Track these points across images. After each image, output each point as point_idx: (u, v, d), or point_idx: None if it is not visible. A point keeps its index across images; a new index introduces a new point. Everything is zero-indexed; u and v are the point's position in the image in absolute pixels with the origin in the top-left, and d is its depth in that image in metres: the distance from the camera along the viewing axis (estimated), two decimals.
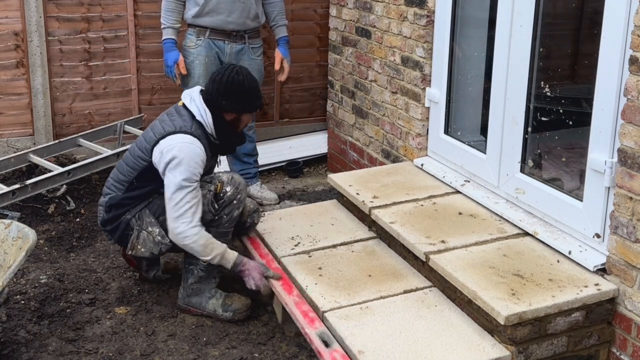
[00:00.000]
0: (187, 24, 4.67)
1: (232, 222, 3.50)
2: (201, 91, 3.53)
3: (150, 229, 3.44)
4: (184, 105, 3.51)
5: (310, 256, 3.64)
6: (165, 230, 3.43)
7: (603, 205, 3.06)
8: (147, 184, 3.46)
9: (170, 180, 3.30)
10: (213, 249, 3.38)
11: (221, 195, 3.44)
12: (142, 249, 3.46)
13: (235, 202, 3.47)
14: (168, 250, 3.50)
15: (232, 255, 3.44)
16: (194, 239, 3.32)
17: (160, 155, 3.35)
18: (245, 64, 4.64)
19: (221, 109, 3.47)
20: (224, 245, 3.44)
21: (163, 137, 3.37)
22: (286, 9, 5.42)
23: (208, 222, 3.43)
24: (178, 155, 3.30)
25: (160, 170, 3.36)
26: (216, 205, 3.41)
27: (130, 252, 3.50)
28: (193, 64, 4.61)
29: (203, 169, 3.40)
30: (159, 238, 3.44)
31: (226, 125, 3.50)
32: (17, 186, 4.37)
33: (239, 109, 3.50)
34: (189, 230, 3.31)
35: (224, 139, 3.51)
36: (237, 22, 4.59)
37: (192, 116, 3.44)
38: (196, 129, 3.41)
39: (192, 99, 3.49)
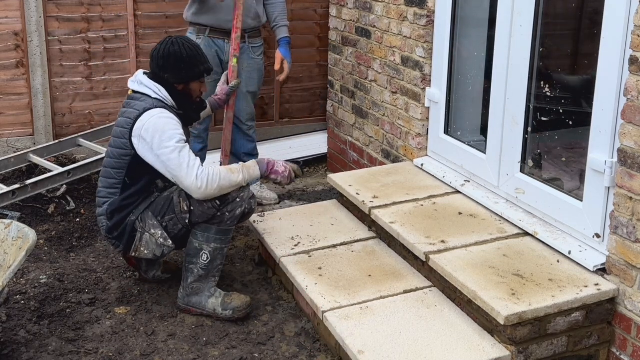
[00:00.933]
0: (188, 22, 4.67)
1: (234, 220, 3.48)
2: (145, 73, 3.54)
3: (152, 231, 3.44)
4: (134, 91, 3.51)
5: (310, 256, 3.64)
6: (168, 232, 3.44)
7: (603, 205, 3.06)
8: (140, 177, 3.46)
9: (161, 152, 3.29)
10: (237, 171, 3.42)
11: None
12: (145, 251, 3.46)
13: (238, 200, 3.45)
14: (170, 252, 3.51)
15: (253, 163, 3.53)
16: (217, 176, 3.32)
17: (139, 140, 3.34)
18: (245, 63, 4.65)
19: (169, 82, 3.47)
20: (238, 164, 3.51)
21: (133, 124, 3.36)
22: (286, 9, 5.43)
23: (210, 218, 3.42)
24: (155, 129, 3.30)
25: (146, 151, 3.34)
26: (218, 202, 3.41)
27: (133, 254, 3.50)
28: None
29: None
30: (162, 240, 3.44)
31: (181, 96, 3.51)
32: (17, 186, 4.37)
33: (183, 78, 3.50)
34: (205, 175, 3.30)
35: (185, 109, 3.52)
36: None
37: (148, 97, 3.44)
38: (158, 104, 3.42)
39: (140, 82, 3.48)
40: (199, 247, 3.46)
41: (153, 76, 3.49)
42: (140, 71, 3.56)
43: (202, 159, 4.79)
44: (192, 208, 3.40)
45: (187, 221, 3.43)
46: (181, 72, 3.47)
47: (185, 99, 3.53)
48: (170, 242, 3.44)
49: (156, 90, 3.45)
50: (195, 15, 4.58)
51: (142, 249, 3.45)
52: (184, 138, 3.36)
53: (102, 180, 3.55)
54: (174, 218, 3.43)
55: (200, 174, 3.30)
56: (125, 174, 3.46)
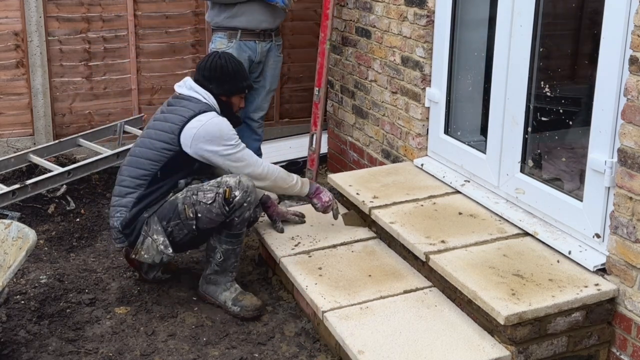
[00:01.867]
0: (216, 27, 4.70)
1: (243, 223, 3.53)
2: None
3: (155, 236, 3.45)
4: (181, 95, 3.62)
5: (310, 256, 3.64)
6: (174, 237, 3.47)
7: (603, 205, 3.06)
8: (172, 174, 3.51)
9: (223, 151, 3.47)
10: (293, 177, 3.70)
11: (230, 200, 3.42)
12: (145, 255, 3.48)
13: (245, 204, 3.46)
14: (169, 260, 3.55)
15: (307, 181, 3.81)
16: (276, 170, 3.63)
17: (193, 138, 3.45)
18: (271, 61, 4.83)
19: (213, 93, 3.60)
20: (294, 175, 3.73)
21: (187, 122, 3.47)
22: None
23: (220, 225, 3.46)
24: (215, 130, 3.47)
25: (202, 150, 3.46)
26: (227, 208, 3.42)
27: (133, 256, 3.52)
28: None
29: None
30: (162, 247, 3.45)
31: (224, 106, 3.65)
32: (17, 186, 4.37)
33: (226, 91, 3.65)
34: (265, 166, 3.59)
35: (228, 119, 3.61)
36: (269, 21, 4.69)
37: (199, 100, 3.56)
38: (209, 108, 3.55)
39: (189, 87, 3.63)
40: (214, 245, 3.55)
41: (201, 85, 3.62)
42: (189, 77, 3.69)
43: None
44: (199, 215, 3.42)
45: (193, 227, 3.45)
46: (225, 85, 3.64)
47: (228, 110, 3.67)
48: (171, 250, 3.46)
49: (206, 96, 3.59)
50: (228, 19, 4.62)
51: (142, 252, 3.48)
52: (238, 138, 3.56)
53: (129, 170, 3.56)
54: (179, 224, 3.46)
55: (262, 164, 3.59)
56: (159, 168, 3.50)
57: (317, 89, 5.00)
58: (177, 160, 3.50)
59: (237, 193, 3.43)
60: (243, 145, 3.56)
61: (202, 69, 3.64)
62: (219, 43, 4.68)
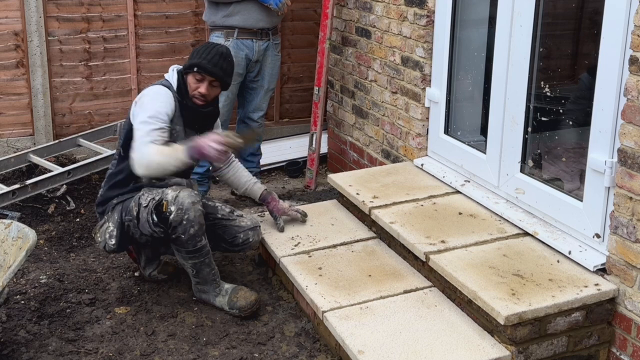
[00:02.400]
0: (214, 26, 4.73)
1: (194, 238, 3.38)
2: None
3: (109, 224, 3.54)
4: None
5: (310, 256, 3.64)
6: (131, 232, 3.48)
7: (603, 205, 3.06)
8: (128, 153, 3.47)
9: (136, 122, 3.40)
10: (165, 151, 3.33)
11: (167, 214, 3.34)
12: (99, 239, 3.60)
13: (185, 222, 3.34)
14: (111, 251, 3.61)
15: (181, 147, 3.35)
16: (148, 154, 3.30)
17: (134, 105, 3.50)
18: (269, 60, 4.83)
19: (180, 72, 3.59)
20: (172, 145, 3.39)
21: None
22: None
23: (171, 240, 3.43)
24: (143, 99, 3.47)
25: (132, 119, 3.46)
26: (155, 217, 3.37)
27: (93, 235, 3.65)
28: None
29: (170, 117, 3.44)
30: (107, 236, 3.54)
31: (182, 85, 3.54)
32: (17, 186, 4.37)
33: (185, 66, 3.56)
34: (142, 150, 3.31)
35: (182, 98, 3.51)
36: (266, 20, 4.70)
37: (164, 78, 3.61)
38: (164, 82, 3.56)
39: (172, 68, 3.65)
40: (182, 262, 3.56)
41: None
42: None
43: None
44: (139, 216, 3.43)
45: (137, 227, 3.44)
46: (192, 57, 3.57)
47: (183, 88, 3.54)
48: (113, 241, 3.54)
49: (171, 73, 3.60)
50: (225, 18, 4.65)
51: (98, 235, 3.61)
52: (161, 117, 3.39)
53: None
54: (132, 221, 3.48)
55: (138, 149, 3.32)
56: (121, 144, 3.55)
57: (317, 88, 5.01)
58: (131, 135, 3.43)
59: (172, 208, 3.33)
60: (150, 127, 3.32)
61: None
62: (216, 42, 4.68)
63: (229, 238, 3.66)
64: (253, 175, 4.92)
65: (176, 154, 3.33)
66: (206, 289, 3.58)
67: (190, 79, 3.52)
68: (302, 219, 3.94)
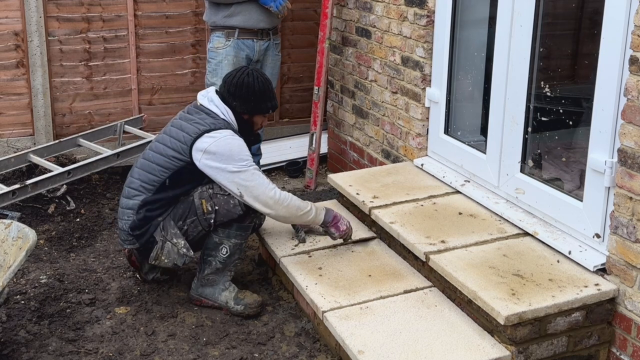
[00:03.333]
0: (214, 27, 4.74)
1: (254, 217, 3.57)
2: (216, 91, 3.60)
3: (175, 240, 3.45)
4: (202, 105, 3.55)
5: (310, 256, 3.64)
6: (188, 235, 3.46)
7: (603, 205, 3.06)
8: (182, 184, 3.47)
9: (236, 169, 3.36)
10: (307, 204, 3.54)
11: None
12: (166, 260, 3.48)
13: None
14: (191, 261, 3.55)
15: (323, 208, 3.63)
16: (288, 198, 3.45)
17: (204, 153, 3.38)
18: (269, 60, 4.85)
19: (235, 109, 3.54)
20: (309, 202, 3.58)
21: (199, 135, 3.40)
22: None
23: (237, 218, 3.48)
24: (230, 148, 3.38)
25: (215, 168, 3.38)
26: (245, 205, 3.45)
27: (153, 262, 3.51)
28: (221, 64, 4.71)
29: None
30: (184, 250, 3.46)
31: (245, 124, 3.57)
32: (17, 186, 4.37)
33: (250, 110, 3.57)
34: (277, 190, 3.42)
35: (245, 136, 3.54)
36: (266, 20, 4.72)
37: (217, 115, 3.50)
38: (226, 125, 3.48)
39: (210, 99, 3.55)
40: (219, 242, 3.51)
41: (223, 99, 3.55)
42: (213, 88, 3.63)
43: None
44: (216, 208, 3.42)
45: (212, 221, 3.45)
46: (249, 104, 3.55)
47: (248, 128, 3.60)
48: (192, 252, 3.48)
49: (225, 112, 3.51)
50: (225, 18, 4.66)
51: (162, 257, 3.47)
52: (252, 160, 3.45)
53: (139, 173, 3.53)
54: (195, 220, 3.45)
55: (274, 189, 3.42)
56: (169, 176, 3.46)
57: (317, 88, 5.01)
58: (186, 171, 3.44)
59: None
60: (255, 166, 3.44)
61: (228, 83, 3.55)
62: (216, 42, 4.71)
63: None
64: None
65: (316, 212, 3.58)
66: (217, 280, 3.56)
67: (259, 119, 3.64)
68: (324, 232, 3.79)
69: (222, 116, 3.50)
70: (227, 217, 3.45)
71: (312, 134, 5.11)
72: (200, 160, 3.39)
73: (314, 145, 5.10)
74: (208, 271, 3.56)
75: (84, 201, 4.84)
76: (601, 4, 2.96)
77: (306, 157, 5.29)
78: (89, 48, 5.21)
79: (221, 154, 3.37)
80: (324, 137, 5.59)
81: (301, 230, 3.78)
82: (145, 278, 3.80)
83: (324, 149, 5.59)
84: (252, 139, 3.69)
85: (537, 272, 3.09)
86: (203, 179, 3.46)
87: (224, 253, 3.52)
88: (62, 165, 4.76)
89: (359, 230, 3.89)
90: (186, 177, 3.46)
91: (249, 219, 3.52)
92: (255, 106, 3.57)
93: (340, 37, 5.11)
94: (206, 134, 3.39)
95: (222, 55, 4.69)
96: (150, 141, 5.01)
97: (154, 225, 3.47)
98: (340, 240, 3.71)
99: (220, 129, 3.42)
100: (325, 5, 4.93)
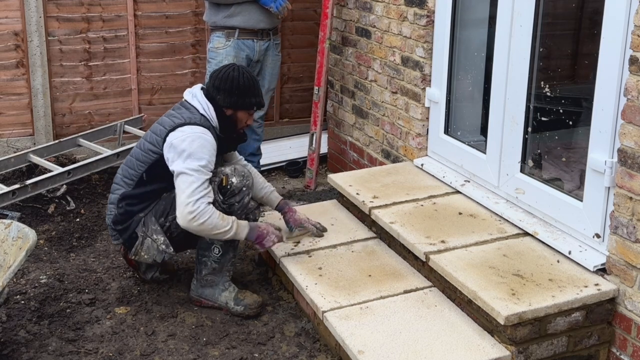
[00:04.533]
0: (215, 27, 4.74)
1: (243, 209, 3.50)
2: (201, 88, 3.59)
3: (155, 236, 3.45)
4: (185, 101, 3.56)
5: (310, 256, 3.64)
6: (171, 232, 3.45)
7: (603, 205, 3.06)
8: (157, 180, 3.46)
9: (182, 168, 3.30)
10: (229, 221, 3.35)
11: (228, 187, 3.44)
12: (145, 256, 3.48)
13: (244, 189, 3.48)
14: (170, 258, 3.55)
15: (246, 225, 3.43)
16: (208, 213, 3.26)
17: (170, 146, 3.36)
18: (269, 60, 4.85)
19: (218, 104, 3.51)
20: (233, 217, 3.41)
21: (173, 129, 3.39)
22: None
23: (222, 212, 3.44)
24: (190, 145, 3.33)
25: (170, 161, 3.36)
26: (220, 196, 3.42)
27: (133, 257, 3.53)
28: (222, 64, 4.69)
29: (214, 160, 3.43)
30: (163, 247, 3.46)
31: (227, 121, 3.53)
32: (17, 186, 4.37)
33: (233, 105, 3.53)
34: (202, 206, 3.26)
35: (227, 134, 3.53)
36: (266, 21, 4.73)
37: (197, 110, 3.49)
38: (204, 121, 3.45)
39: (194, 94, 3.54)
40: (210, 242, 3.49)
41: (207, 94, 3.53)
42: (199, 85, 3.62)
43: (256, 162, 5.01)
44: None
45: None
46: (232, 97, 3.51)
47: (230, 125, 3.55)
48: (172, 248, 3.46)
49: (205, 107, 3.49)
50: (226, 18, 4.67)
51: (142, 253, 3.48)
52: (211, 167, 3.36)
53: (123, 168, 3.59)
54: (176, 217, 3.42)
55: (198, 202, 3.26)
56: (145, 169, 3.48)
57: (317, 88, 5.01)
58: (161, 165, 3.41)
59: (234, 180, 3.44)
60: (205, 178, 3.30)
61: (214, 77, 3.55)
62: (216, 42, 4.71)
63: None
64: None
65: (236, 231, 3.37)
66: (216, 280, 3.55)
67: (243, 115, 3.56)
68: (318, 233, 3.81)
69: (201, 111, 3.47)
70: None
71: (312, 134, 5.11)
72: (166, 151, 3.39)
73: (314, 145, 5.10)
74: (205, 272, 3.56)
75: (84, 201, 4.84)
76: (601, 4, 2.96)
77: (306, 157, 5.29)
78: (89, 48, 5.21)
79: (179, 150, 3.32)
80: (324, 137, 5.59)
81: (295, 229, 3.77)
82: (144, 277, 3.80)
83: (324, 149, 5.59)
84: (236, 137, 3.63)
85: (537, 272, 3.09)
86: None
87: (217, 253, 3.52)
88: (62, 165, 4.76)
89: (359, 230, 3.89)
90: (162, 172, 3.42)
91: (239, 212, 3.48)
92: (239, 100, 3.52)
93: (340, 37, 5.11)
94: (179, 128, 3.38)
95: (223, 55, 4.70)
96: None
97: (135, 221, 3.48)
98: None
99: (195, 124, 3.39)
100: (325, 5, 4.93)
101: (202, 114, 3.47)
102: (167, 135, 3.40)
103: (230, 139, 3.58)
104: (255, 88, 3.58)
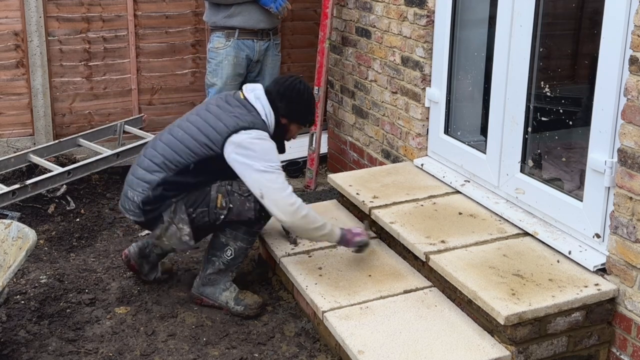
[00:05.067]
0: (215, 27, 4.75)
1: (263, 225, 3.59)
2: (265, 91, 3.56)
3: (180, 225, 3.42)
4: (246, 99, 3.50)
5: (310, 256, 3.64)
6: (194, 223, 3.42)
7: (603, 205, 3.06)
8: (203, 174, 3.41)
9: (263, 166, 3.30)
10: (324, 220, 3.40)
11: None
12: (166, 242, 3.48)
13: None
14: (191, 248, 3.55)
15: (340, 230, 3.47)
16: (306, 209, 3.32)
17: (238, 146, 3.32)
18: (269, 60, 4.87)
19: (277, 112, 3.51)
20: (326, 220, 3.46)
21: (236, 130, 3.34)
22: None
23: (246, 222, 3.47)
24: (262, 147, 3.33)
25: (244, 164, 3.32)
26: (259, 205, 3.41)
27: (154, 240, 3.52)
28: (222, 64, 4.72)
29: None
30: (187, 238, 3.44)
31: (280, 129, 3.54)
32: (17, 186, 4.37)
33: (291, 116, 3.55)
34: (298, 199, 3.31)
35: (276, 142, 3.50)
36: (266, 21, 4.74)
37: (259, 115, 3.46)
38: (264, 127, 3.43)
39: (257, 97, 3.50)
40: (225, 243, 3.51)
41: (269, 98, 3.51)
42: (260, 85, 3.59)
43: None
44: (231, 205, 3.41)
45: (222, 217, 3.43)
46: (293, 110, 3.54)
47: (280, 134, 3.56)
48: (194, 242, 3.46)
49: (269, 114, 3.48)
50: (227, 18, 4.69)
51: (163, 238, 3.47)
52: (280, 166, 3.39)
53: (164, 149, 3.44)
54: (205, 211, 3.42)
55: (293, 195, 3.32)
56: (195, 161, 3.39)
57: (317, 88, 5.01)
58: (213, 161, 3.38)
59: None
60: (282, 173, 3.36)
61: (280, 84, 3.55)
62: (216, 42, 4.72)
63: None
64: None
65: (330, 233, 3.44)
66: (218, 280, 3.56)
67: (295, 128, 3.61)
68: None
69: (263, 116, 3.45)
70: (238, 218, 3.45)
71: (312, 134, 5.11)
72: (231, 154, 3.33)
73: (314, 145, 5.11)
74: (210, 271, 3.56)
75: (84, 201, 4.84)
76: (601, 4, 2.96)
77: (306, 157, 5.29)
78: (89, 48, 5.21)
79: (253, 151, 3.31)
80: (324, 137, 5.59)
81: (293, 233, 3.76)
82: (147, 279, 3.80)
83: (324, 149, 5.59)
84: (280, 147, 3.60)
85: (537, 272, 3.09)
86: (227, 174, 3.40)
87: (229, 255, 3.52)
88: (62, 165, 4.76)
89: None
90: (211, 167, 3.40)
91: (258, 225, 3.53)
92: (298, 113, 3.56)
93: (340, 37, 5.11)
94: (243, 130, 3.34)
95: (223, 55, 4.71)
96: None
97: (166, 204, 3.42)
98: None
99: (258, 129, 3.38)
100: (325, 5, 4.94)
101: (263, 120, 3.45)
102: (229, 135, 3.34)
103: (278, 146, 3.54)
104: (313, 105, 3.64)
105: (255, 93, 3.51)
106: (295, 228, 3.41)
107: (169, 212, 3.42)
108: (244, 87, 3.59)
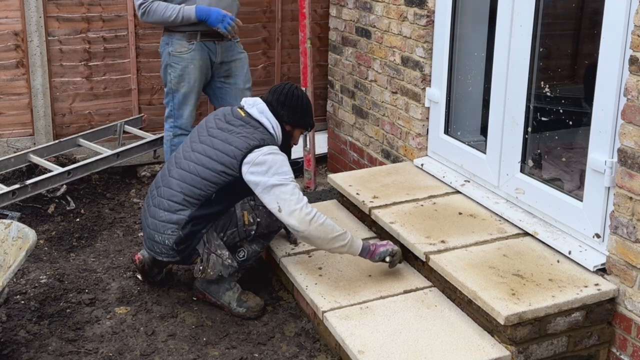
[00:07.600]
0: (174, 30, 4.55)
1: (278, 230, 3.68)
2: (265, 102, 3.55)
3: (219, 251, 3.44)
4: (249, 116, 3.50)
5: (310, 256, 3.64)
6: (227, 245, 3.45)
7: (603, 205, 3.06)
8: (226, 200, 3.43)
9: (277, 180, 3.29)
10: (343, 231, 3.34)
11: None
12: (211, 272, 3.46)
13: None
14: (235, 272, 3.54)
15: (360, 242, 3.40)
16: (321, 218, 3.29)
17: (250, 167, 3.31)
18: (236, 59, 4.69)
19: (281, 120, 3.52)
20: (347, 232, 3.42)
21: (250, 150, 3.34)
22: (286, 8, 5.44)
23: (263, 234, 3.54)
24: (274, 161, 3.32)
25: (257, 176, 3.31)
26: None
27: (200, 275, 3.49)
28: (187, 68, 4.52)
29: None
30: (229, 261, 3.45)
31: (285, 137, 3.57)
32: (17, 186, 4.37)
33: (295, 122, 3.58)
34: (316, 211, 3.30)
35: (282, 150, 3.51)
36: None
37: (265, 129, 3.47)
38: (272, 141, 3.46)
39: (261, 111, 3.50)
40: (240, 245, 3.53)
41: (272, 109, 3.52)
42: (259, 99, 3.57)
43: None
44: (259, 220, 3.46)
45: (252, 232, 3.47)
46: (297, 115, 3.56)
47: (286, 141, 3.59)
48: (236, 263, 3.47)
49: (275, 127, 3.50)
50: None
51: (208, 270, 3.45)
52: (293, 177, 3.38)
53: (182, 186, 3.42)
54: (235, 232, 3.46)
55: (308, 205, 3.30)
56: (216, 190, 3.39)
57: (304, 89, 4.97)
58: (234, 185, 3.38)
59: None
60: (296, 184, 3.36)
61: (278, 92, 3.55)
62: (178, 45, 4.50)
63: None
64: None
65: (350, 244, 3.35)
66: (224, 278, 3.55)
67: (297, 133, 3.65)
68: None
69: (270, 130, 3.47)
70: (268, 230, 3.52)
71: (305, 135, 5.09)
72: (246, 174, 3.33)
73: (308, 146, 5.09)
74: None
75: (84, 201, 4.84)
76: (601, 4, 2.96)
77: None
78: (89, 48, 5.21)
79: (266, 166, 3.31)
80: (324, 137, 5.59)
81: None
82: (153, 280, 3.81)
83: (324, 149, 5.59)
84: (287, 154, 3.60)
85: (537, 272, 3.09)
86: (249, 192, 3.40)
87: (241, 256, 3.53)
88: (62, 165, 4.76)
89: (359, 231, 3.89)
90: (233, 191, 3.41)
91: (279, 228, 3.61)
92: (301, 118, 3.58)
93: (340, 37, 5.11)
94: (256, 149, 3.34)
95: (188, 59, 4.50)
96: (151, 141, 5.03)
97: (197, 238, 3.44)
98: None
99: (268, 144, 3.38)
100: (302, 5, 4.87)
101: (271, 133, 3.47)
102: (244, 156, 3.33)
103: (284, 153, 3.55)
104: (311, 109, 3.69)
105: (257, 107, 3.51)
106: (313, 238, 3.30)
107: (203, 244, 3.44)
108: (243, 102, 3.59)
